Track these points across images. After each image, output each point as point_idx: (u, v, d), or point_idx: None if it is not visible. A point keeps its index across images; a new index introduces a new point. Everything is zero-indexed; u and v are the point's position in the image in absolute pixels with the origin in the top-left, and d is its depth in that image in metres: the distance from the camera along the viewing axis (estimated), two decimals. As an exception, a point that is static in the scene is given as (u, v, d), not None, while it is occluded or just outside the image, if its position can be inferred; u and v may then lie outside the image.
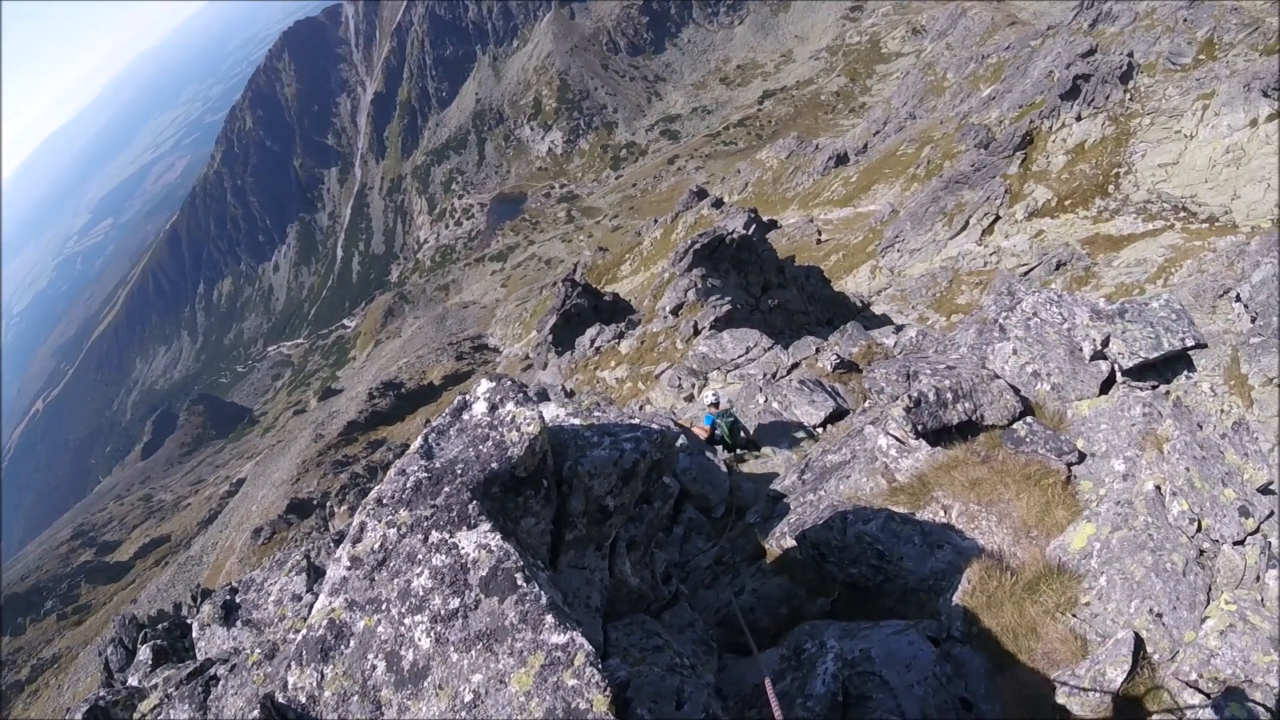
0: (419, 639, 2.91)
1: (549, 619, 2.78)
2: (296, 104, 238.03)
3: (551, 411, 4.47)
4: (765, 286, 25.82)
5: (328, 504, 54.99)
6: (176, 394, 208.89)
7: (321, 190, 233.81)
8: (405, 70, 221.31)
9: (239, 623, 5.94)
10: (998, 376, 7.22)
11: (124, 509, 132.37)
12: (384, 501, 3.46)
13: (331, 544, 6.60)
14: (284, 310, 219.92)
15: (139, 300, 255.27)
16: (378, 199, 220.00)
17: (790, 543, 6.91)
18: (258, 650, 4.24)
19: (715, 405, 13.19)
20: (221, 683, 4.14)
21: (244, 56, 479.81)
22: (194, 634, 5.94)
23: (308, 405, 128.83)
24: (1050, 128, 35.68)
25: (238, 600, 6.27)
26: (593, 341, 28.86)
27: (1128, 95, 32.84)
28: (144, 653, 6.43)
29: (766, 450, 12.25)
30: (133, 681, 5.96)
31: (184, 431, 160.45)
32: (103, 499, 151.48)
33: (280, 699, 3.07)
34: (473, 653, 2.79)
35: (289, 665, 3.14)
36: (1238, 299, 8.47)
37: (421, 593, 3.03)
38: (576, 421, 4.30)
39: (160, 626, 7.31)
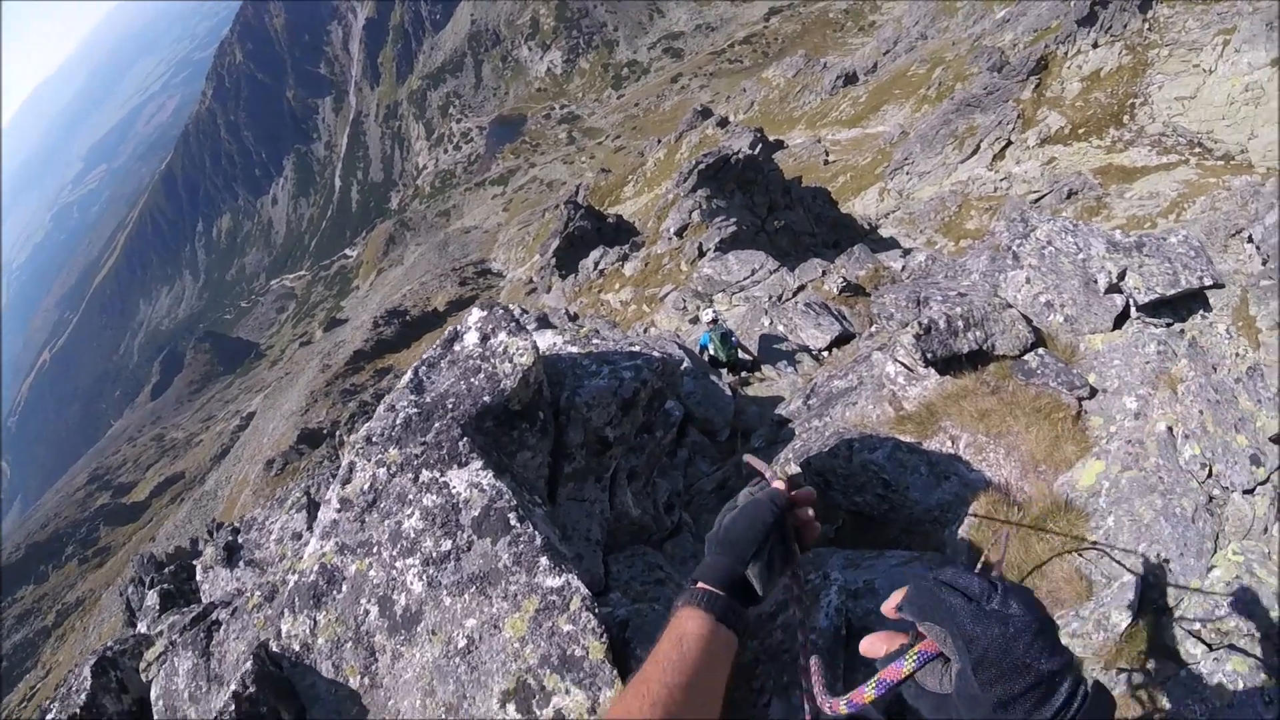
0: (411, 583, 2.83)
1: (544, 561, 2.68)
2: (286, 34, 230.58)
3: (548, 340, 4.31)
4: (771, 207, 25.34)
5: (337, 433, 55.76)
6: (182, 333, 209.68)
7: (316, 120, 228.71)
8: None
9: (241, 563, 5.95)
10: (1010, 305, 7.01)
11: (137, 450, 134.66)
12: (373, 440, 3.34)
13: (330, 478, 6.56)
14: (284, 243, 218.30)
15: (138, 243, 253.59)
16: (374, 126, 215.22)
17: (795, 469, 6.86)
18: (258, 593, 4.21)
19: (714, 322, 12.66)
20: (224, 627, 4.11)
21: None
22: (198, 576, 5.95)
23: (313, 336, 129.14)
24: (1066, 53, 34.44)
25: (240, 540, 6.27)
26: (596, 264, 28.59)
27: (1146, 25, 31.54)
28: (151, 598, 6.49)
29: (771, 373, 12.15)
30: (141, 628, 6.00)
31: (191, 370, 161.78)
32: (116, 442, 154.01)
33: (274, 647, 3.02)
34: (466, 596, 2.71)
35: (281, 612, 3.09)
36: (1250, 240, 8.20)
37: (413, 534, 2.93)
38: (575, 349, 4.15)
39: (167, 570, 7.40)
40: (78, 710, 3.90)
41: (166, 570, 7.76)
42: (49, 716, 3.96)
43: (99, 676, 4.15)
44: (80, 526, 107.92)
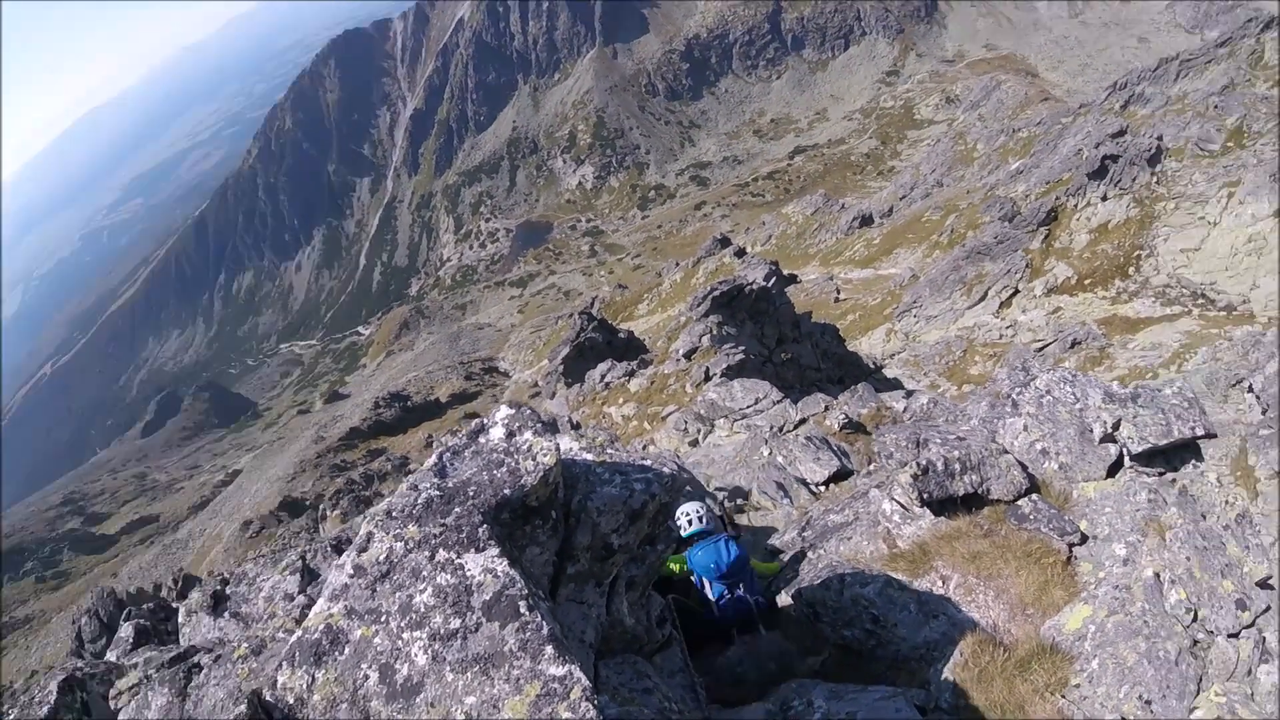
0: (415, 655, 2.93)
1: (549, 650, 2.79)
2: (337, 111, 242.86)
3: (565, 444, 4.52)
4: (780, 339, 25.88)
5: (320, 506, 54.70)
6: (184, 378, 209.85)
7: (352, 198, 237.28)
8: (447, 90, 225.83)
9: (227, 614, 5.95)
10: (1006, 451, 7.24)
11: (117, 483, 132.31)
12: (394, 514, 3.51)
13: (329, 548, 6.63)
14: (301, 310, 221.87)
15: (159, 281, 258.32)
16: (406, 213, 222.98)
17: (786, 599, 6.87)
18: (244, 644, 4.25)
19: (702, 531, 6.86)
20: (204, 671, 4.14)
21: (290, 59, 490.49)
22: (180, 619, 5.94)
23: (313, 406, 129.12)
24: (1075, 205, 35.87)
25: (228, 592, 6.28)
26: (603, 376, 28.88)
27: (1154, 178, 33.02)
28: (125, 630, 6.43)
29: (766, 503, 12.16)
30: (111, 657, 5.95)
31: (186, 416, 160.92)
32: (97, 470, 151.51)
33: (268, 697, 3.08)
34: (469, 674, 2.80)
35: (280, 665, 3.15)
36: (1250, 389, 8.48)
37: (423, 609, 3.05)
38: (589, 457, 4.35)
39: (145, 606, 7.31)
40: None
41: (145, 606, 7.65)
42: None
43: (64, 694, 4.19)
44: (45, 545, 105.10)
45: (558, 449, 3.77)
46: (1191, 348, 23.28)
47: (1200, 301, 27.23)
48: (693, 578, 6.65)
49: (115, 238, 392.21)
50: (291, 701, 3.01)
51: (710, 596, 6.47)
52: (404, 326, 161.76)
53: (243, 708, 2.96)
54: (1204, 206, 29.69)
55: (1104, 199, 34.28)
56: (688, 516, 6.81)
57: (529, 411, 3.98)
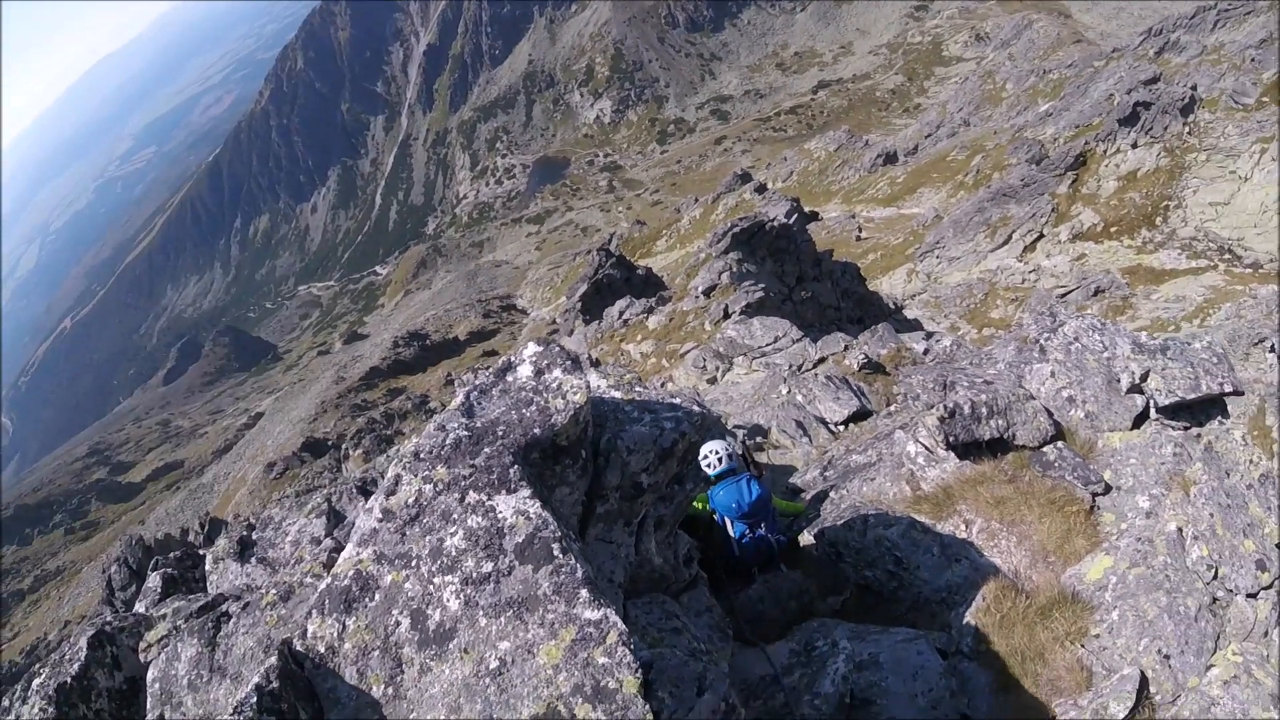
0: (448, 600, 2.91)
1: (584, 593, 2.77)
2: (349, 48, 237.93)
3: (594, 381, 4.44)
4: (800, 277, 25.57)
5: (343, 446, 55.76)
6: (204, 324, 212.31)
7: (366, 137, 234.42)
8: (461, 24, 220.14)
9: (254, 559, 6.00)
10: (1033, 397, 7.13)
11: (141, 431, 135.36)
12: (421, 456, 3.47)
13: (355, 490, 6.66)
14: (318, 251, 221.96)
15: (175, 228, 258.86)
16: (421, 150, 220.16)
17: (808, 539, 6.90)
18: (273, 591, 4.25)
19: (727, 470, 6.43)
20: (233, 620, 4.14)
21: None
22: (207, 567, 5.99)
23: (332, 347, 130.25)
24: (1105, 151, 34.81)
25: (254, 537, 6.34)
26: (621, 313, 28.79)
27: (1186, 129, 31.94)
28: (154, 580, 6.51)
29: (785, 442, 12.13)
30: (140, 608, 6.04)
31: (207, 361, 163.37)
32: (121, 420, 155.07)
33: (298, 646, 3.08)
34: (502, 619, 2.79)
35: (310, 614, 3.14)
36: (1272, 349, 8.28)
37: (454, 553, 3.02)
38: (618, 395, 4.28)
39: (171, 555, 7.41)
40: (69, 679, 3.92)
41: (171, 555, 7.73)
42: (37, 681, 3.96)
43: (94, 649, 4.17)
44: (73, 497, 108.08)
45: (588, 387, 3.70)
46: (1215, 303, 22.87)
47: (1227, 257, 26.67)
48: (715, 517, 6.64)
49: (129, 187, 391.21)
50: (323, 650, 3.01)
51: (732, 535, 6.50)
52: (421, 265, 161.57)
53: (274, 659, 2.94)
54: (1235, 160, 28.78)
55: (1134, 146, 33.23)
56: (717, 454, 6.46)
57: (558, 349, 3.90)
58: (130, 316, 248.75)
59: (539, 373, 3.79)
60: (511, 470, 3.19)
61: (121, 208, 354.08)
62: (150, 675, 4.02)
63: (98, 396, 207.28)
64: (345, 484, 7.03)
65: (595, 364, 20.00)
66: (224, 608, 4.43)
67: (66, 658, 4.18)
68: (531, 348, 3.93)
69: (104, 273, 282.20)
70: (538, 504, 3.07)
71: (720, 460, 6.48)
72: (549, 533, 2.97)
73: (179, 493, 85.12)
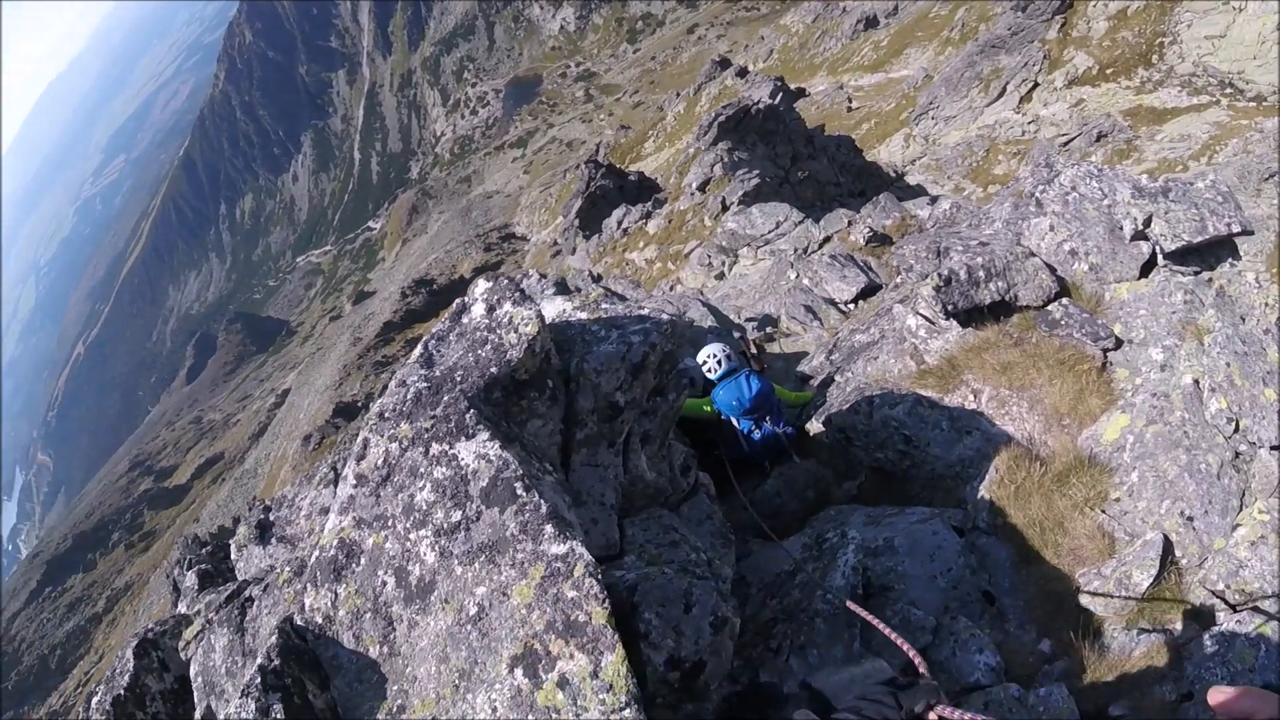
0: (425, 554, 2.90)
1: (548, 529, 2.73)
2: (294, 10, 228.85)
3: (558, 307, 4.32)
4: (794, 158, 24.88)
5: (372, 405, 56.62)
6: (213, 316, 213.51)
7: (331, 94, 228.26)
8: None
9: (274, 540, 6.04)
10: (1033, 254, 6.83)
11: (176, 434, 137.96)
12: (385, 415, 3.39)
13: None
14: (308, 220, 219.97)
15: (163, 230, 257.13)
16: (389, 96, 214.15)
17: (818, 426, 6.83)
18: (288, 568, 4.29)
19: (729, 370, 6.85)
20: (256, 603, 4.20)
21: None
22: (232, 555, 6.07)
23: (342, 310, 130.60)
24: (1091, -10, 32.95)
25: (271, 518, 6.38)
26: (619, 223, 28.40)
27: None
28: (190, 578, 6.64)
29: (796, 328, 11.97)
30: (181, 608, 6.17)
31: (224, 351, 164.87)
32: (154, 427, 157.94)
33: (299, 621, 3.12)
34: (476, 565, 2.77)
35: (304, 587, 3.19)
36: None
37: (425, 506, 3.00)
38: (583, 316, 4.14)
39: (204, 550, 7.54)
40: (122, 691, 4.01)
41: (204, 550, 7.88)
42: (95, 699, 4.08)
43: (141, 658, 4.27)
44: (125, 513, 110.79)
45: (539, 316, 3.58)
46: (1221, 139, 22.02)
47: (1229, 91, 25.54)
48: (723, 417, 6.72)
49: (108, 201, 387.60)
50: (320, 621, 3.04)
51: (740, 432, 6.59)
52: (413, 212, 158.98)
53: (274, 638, 2.98)
54: (1227, -10, 27.11)
55: (1122, -18, 31.32)
56: (715, 358, 6.85)
57: (506, 281, 3.75)
58: (139, 326, 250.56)
59: (491, 309, 3.66)
60: (469, 415, 3.11)
61: (105, 223, 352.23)
62: (192, 670, 4.10)
63: (127, 411, 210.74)
64: (346, 449, 6.99)
65: (598, 279, 19.77)
66: (248, 592, 4.48)
67: (117, 671, 4.29)
68: (481, 285, 3.78)
69: (104, 290, 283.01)
70: (497, 445, 3.00)
71: (720, 363, 6.86)
72: (510, 473, 2.91)
73: (225, 484, 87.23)
